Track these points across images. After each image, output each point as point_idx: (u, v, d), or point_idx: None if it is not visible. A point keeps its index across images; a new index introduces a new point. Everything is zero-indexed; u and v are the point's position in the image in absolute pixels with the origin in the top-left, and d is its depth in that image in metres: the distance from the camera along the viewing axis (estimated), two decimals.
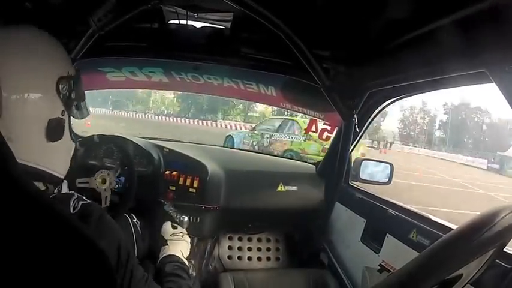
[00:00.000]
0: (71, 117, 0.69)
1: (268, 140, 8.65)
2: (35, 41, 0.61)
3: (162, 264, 0.94)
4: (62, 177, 0.68)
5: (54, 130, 0.61)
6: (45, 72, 0.60)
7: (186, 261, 0.99)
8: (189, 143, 2.12)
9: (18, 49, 0.58)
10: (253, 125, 11.02)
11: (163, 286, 0.79)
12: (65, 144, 0.66)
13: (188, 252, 1.10)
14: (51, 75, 0.61)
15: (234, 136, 9.55)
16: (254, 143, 8.91)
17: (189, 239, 1.15)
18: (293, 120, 8.68)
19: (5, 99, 0.55)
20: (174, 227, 1.18)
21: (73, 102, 0.66)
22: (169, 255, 0.99)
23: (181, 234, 1.14)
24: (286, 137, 8.36)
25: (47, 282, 0.43)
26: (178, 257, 0.99)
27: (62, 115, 0.63)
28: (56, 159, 0.64)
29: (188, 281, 0.86)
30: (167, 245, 1.06)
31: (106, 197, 1.37)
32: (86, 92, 0.74)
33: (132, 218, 1.31)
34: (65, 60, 0.66)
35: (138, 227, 1.30)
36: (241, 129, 12.91)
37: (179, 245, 1.07)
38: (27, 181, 0.46)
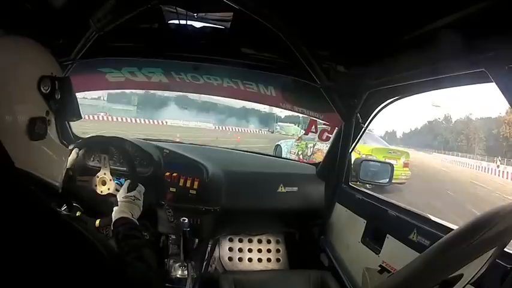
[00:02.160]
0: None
1: (312, 149, 8.11)
2: (17, 44, 0.63)
3: (115, 227, 0.95)
4: (57, 184, 0.68)
5: (36, 128, 0.61)
6: (25, 71, 0.61)
7: (137, 222, 1.01)
8: (189, 144, 2.11)
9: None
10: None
11: (122, 248, 0.81)
12: (50, 145, 0.65)
13: (138, 215, 1.08)
14: (32, 74, 0.62)
15: (282, 145, 9.13)
16: (299, 153, 8.43)
17: (140, 203, 1.13)
18: None
19: None
20: (131, 189, 1.16)
21: (58, 103, 0.66)
22: (122, 217, 0.99)
23: (133, 197, 1.12)
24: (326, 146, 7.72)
25: (48, 280, 0.43)
26: (130, 218, 0.99)
27: (47, 115, 0.64)
28: (42, 161, 0.64)
29: (143, 240, 0.88)
30: (117, 205, 1.06)
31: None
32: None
33: None
34: (49, 62, 0.67)
35: None
36: None
37: (130, 207, 1.07)
38: (27, 185, 0.47)
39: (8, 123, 0.57)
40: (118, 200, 1.11)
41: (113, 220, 0.99)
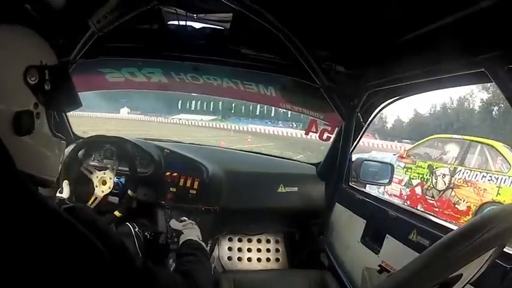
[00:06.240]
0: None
1: (447, 179, 5.14)
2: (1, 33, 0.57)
3: (180, 248, 1.00)
4: (52, 179, 0.65)
5: (21, 123, 0.56)
6: (9, 62, 0.56)
7: (203, 244, 1.04)
8: (190, 144, 2.11)
9: None
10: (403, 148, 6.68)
11: (180, 265, 0.84)
12: (40, 140, 0.61)
13: (201, 238, 1.12)
14: (17, 65, 0.57)
15: None
16: (414, 182, 5.47)
17: (198, 228, 1.16)
18: (486, 144, 5.04)
19: None
20: (182, 220, 1.19)
21: (48, 94, 0.61)
22: (188, 239, 1.02)
23: (191, 223, 1.16)
24: (486, 177, 4.71)
25: (48, 280, 0.43)
26: (195, 240, 1.03)
27: (35, 107, 0.59)
28: (32, 157, 0.60)
29: (202, 258, 0.90)
30: (183, 233, 1.09)
31: (95, 198, 1.39)
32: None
33: (134, 228, 1.32)
34: (38, 50, 0.61)
35: (141, 236, 1.31)
36: None
37: (194, 231, 1.11)
38: (30, 186, 0.46)
39: None
40: (179, 229, 1.13)
41: (180, 243, 1.03)
